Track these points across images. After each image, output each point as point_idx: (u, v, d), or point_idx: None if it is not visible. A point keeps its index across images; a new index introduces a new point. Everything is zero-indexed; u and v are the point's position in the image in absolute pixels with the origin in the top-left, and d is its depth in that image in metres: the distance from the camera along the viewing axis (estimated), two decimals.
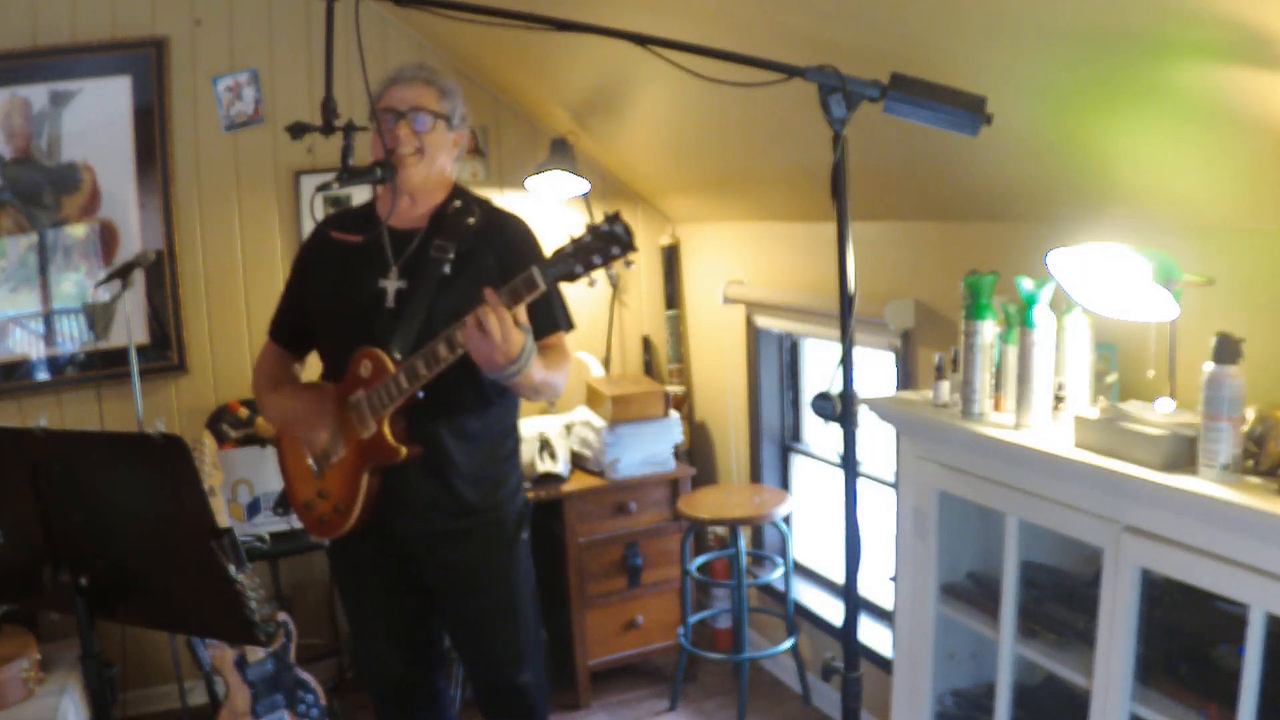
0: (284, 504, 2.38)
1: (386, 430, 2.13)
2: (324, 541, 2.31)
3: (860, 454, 1.63)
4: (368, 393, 2.14)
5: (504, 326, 1.93)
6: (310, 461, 2.26)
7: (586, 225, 1.89)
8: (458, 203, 2.27)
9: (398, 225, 2.26)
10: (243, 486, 3.29)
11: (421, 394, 2.11)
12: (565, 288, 2.19)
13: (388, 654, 2.39)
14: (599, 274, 1.88)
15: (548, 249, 2.14)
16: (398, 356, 2.13)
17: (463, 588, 2.30)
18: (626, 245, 1.87)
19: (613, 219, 1.88)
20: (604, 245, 1.87)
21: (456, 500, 2.24)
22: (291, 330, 2.40)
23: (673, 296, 4.16)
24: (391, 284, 2.21)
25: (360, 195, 3.70)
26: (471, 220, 2.23)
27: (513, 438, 2.38)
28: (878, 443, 3.09)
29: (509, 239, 2.26)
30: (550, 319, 2.23)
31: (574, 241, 1.89)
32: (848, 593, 1.64)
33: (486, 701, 2.42)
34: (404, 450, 2.14)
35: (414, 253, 2.22)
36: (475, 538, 2.27)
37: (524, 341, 1.98)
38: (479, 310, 1.94)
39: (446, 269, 2.18)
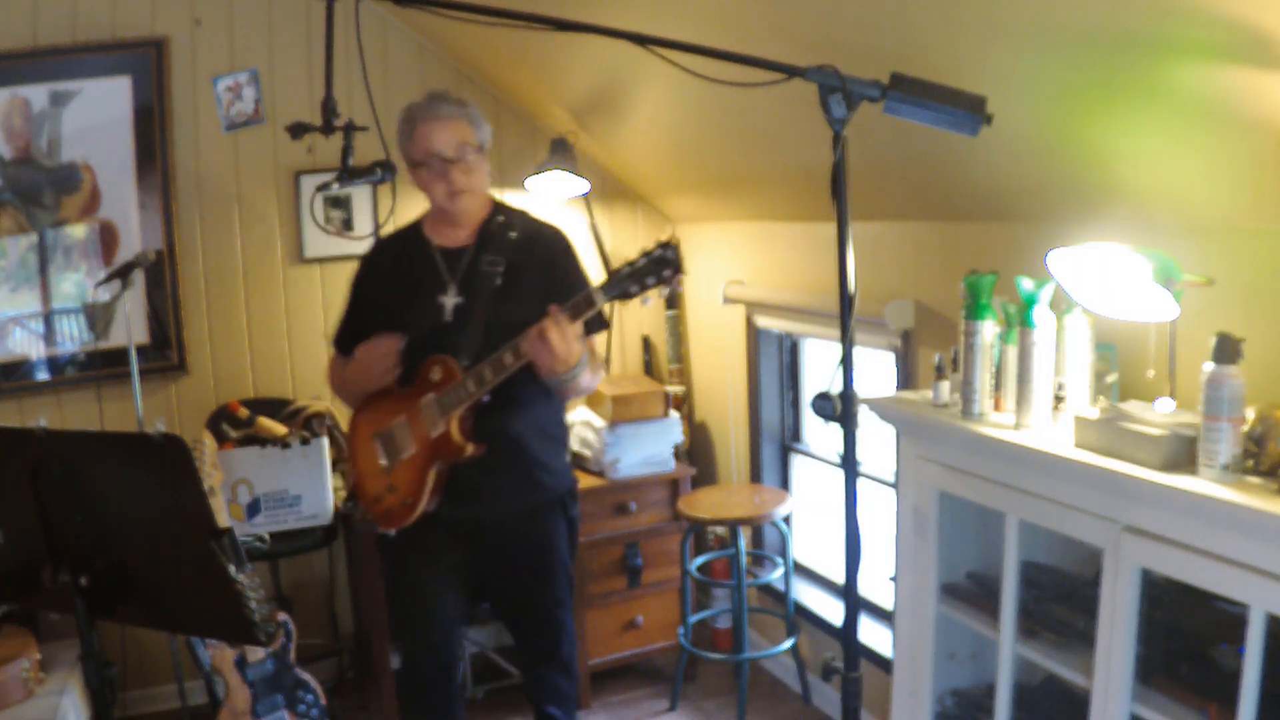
0: (353, 498, 2.59)
1: (454, 429, 2.32)
2: (390, 532, 2.45)
3: (860, 454, 1.63)
4: (438, 395, 2.33)
5: (565, 339, 2.15)
6: (381, 459, 2.44)
7: (641, 251, 2.12)
8: (500, 218, 2.48)
9: (446, 244, 2.47)
10: (243, 486, 3.29)
11: (486, 397, 2.30)
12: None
13: (435, 640, 2.51)
14: (652, 294, 2.13)
15: (583, 256, 2.57)
16: (465, 363, 2.32)
17: (521, 559, 2.51)
18: (677, 269, 2.09)
19: (665, 245, 2.10)
20: (657, 269, 2.09)
21: (522, 483, 2.44)
22: (355, 343, 2.53)
23: (673, 296, 4.16)
24: (449, 300, 2.41)
25: (360, 195, 3.71)
26: (513, 234, 2.45)
27: (564, 425, 2.61)
28: (878, 443, 3.09)
29: (553, 252, 2.49)
30: (589, 322, 2.36)
31: (630, 264, 2.11)
32: (848, 593, 1.64)
33: (535, 672, 2.59)
34: (470, 448, 2.33)
35: (467, 269, 2.43)
36: (538, 516, 2.49)
37: (581, 351, 2.23)
38: (544, 323, 2.14)
39: (498, 281, 2.39)
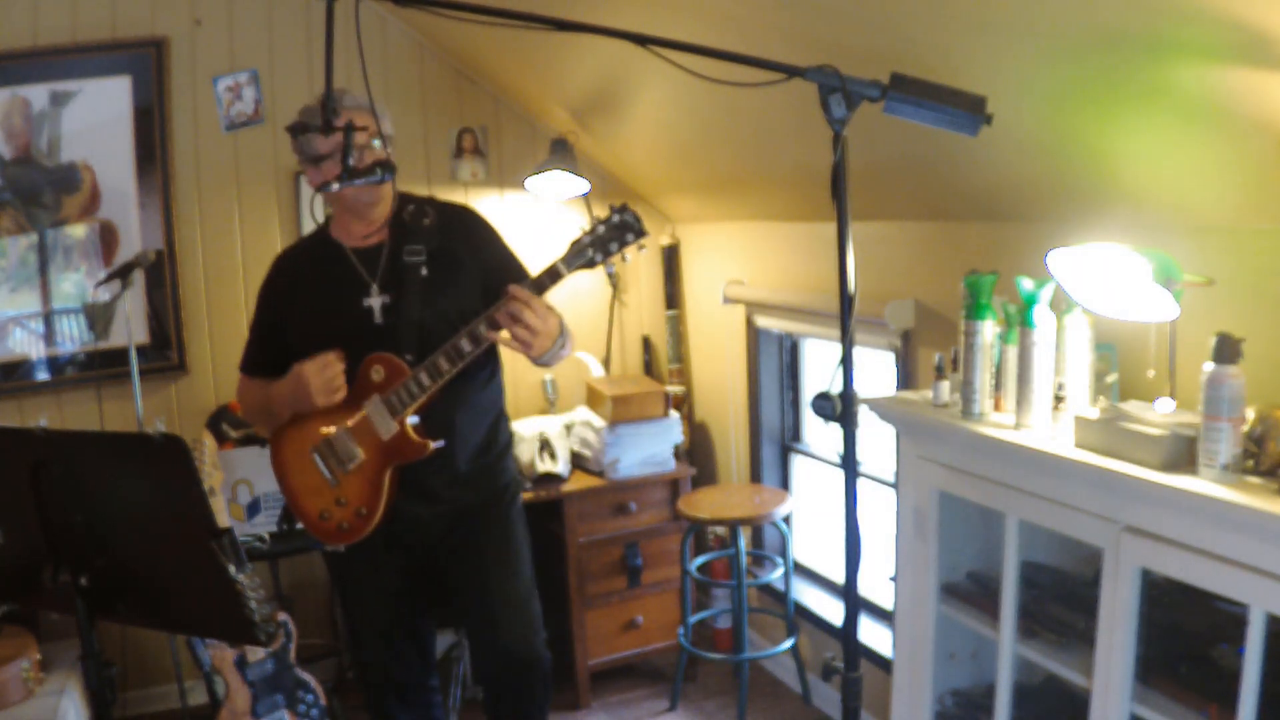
0: (289, 519, 2.40)
1: (409, 429, 2.20)
2: (339, 548, 2.33)
3: (860, 454, 1.63)
4: (384, 396, 2.20)
5: (540, 315, 2.09)
6: (324, 471, 2.29)
7: (594, 219, 2.07)
8: (410, 206, 2.35)
9: (362, 244, 2.34)
10: (243, 486, 3.29)
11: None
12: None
13: (389, 654, 2.43)
14: (615, 262, 2.11)
15: (505, 233, 2.45)
16: (409, 358, 2.20)
17: (473, 563, 2.39)
18: (639, 232, 2.06)
19: (621, 209, 2.06)
20: (619, 234, 2.06)
21: (465, 475, 2.35)
22: (269, 363, 2.40)
23: (673, 296, 4.16)
24: (376, 300, 2.29)
25: None
26: (427, 220, 2.33)
27: (504, 410, 2.51)
28: (878, 443, 3.09)
29: (472, 232, 2.39)
30: (534, 284, 2.21)
31: (589, 233, 2.07)
32: (848, 593, 1.64)
33: (503, 678, 2.44)
34: (430, 445, 2.22)
35: (387, 265, 2.30)
36: (482, 511, 2.39)
37: (560, 321, 2.19)
38: (513, 306, 2.07)
39: (424, 271, 2.28)
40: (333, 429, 2.27)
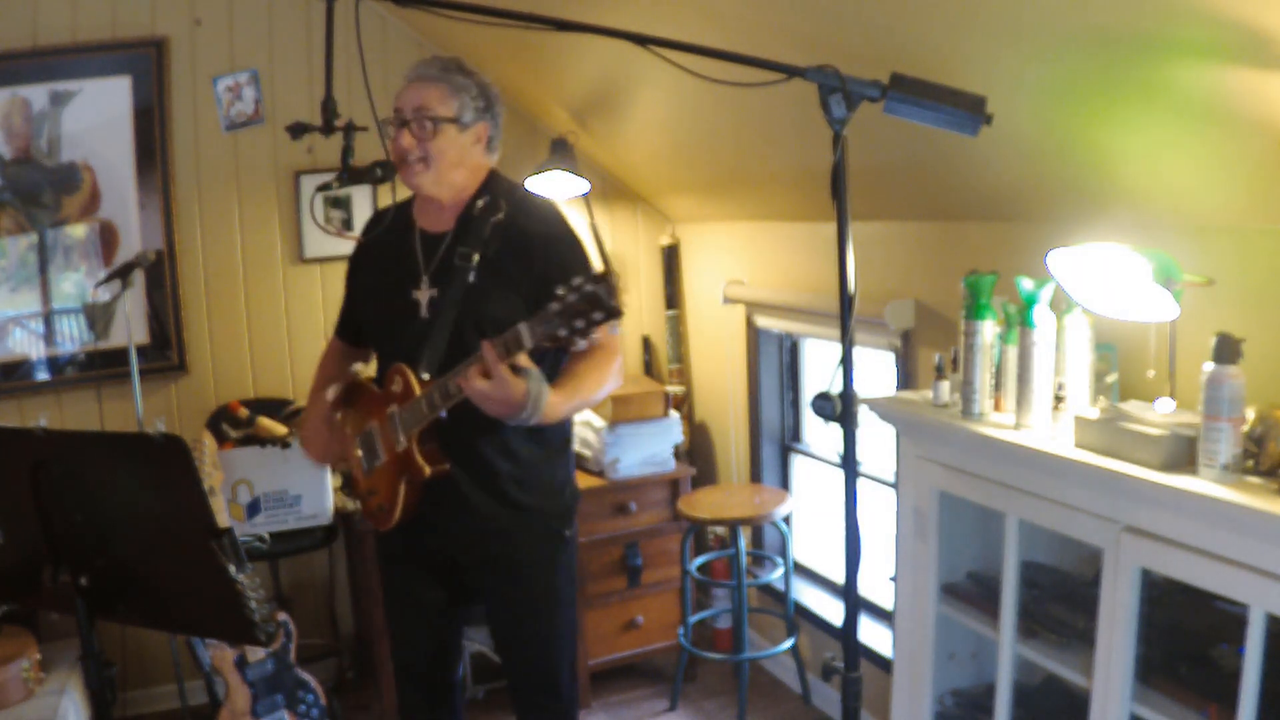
0: (349, 485, 2.44)
1: (415, 448, 2.12)
2: (373, 528, 2.36)
3: (860, 454, 1.63)
4: (399, 410, 2.14)
5: (500, 383, 1.88)
6: (362, 460, 2.28)
7: (573, 282, 1.74)
8: (482, 201, 2.18)
9: (430, 228, 2.23)
10: (243, 486, 3.29)
11: (444, 414, 2.06)
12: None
13: (418, 648, 2.42)
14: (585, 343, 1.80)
15: (579, 233, 2.24)
16: (425, 376, 2.12)
17: (508, 581, 2.30)
18: (610, 310, 1.72)
19: (598, 278, 1.72)
20: (587, 308, 1.73)
21: (506, 503, 2.22)
22: (354, 327, 2.43)
23: (673, 296, 4.16)
24: (424, 294, 2.18)
25: (360, 195, 3.71)
26: (498, 217, 2.14)
27: (561, 436, 2.33)
28: (878, 443, 3.09)
29: (530, 237, 2.16)
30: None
31: (559, 300, 1.77)
32: (848, 593, 1.64)
33: (523, 693, 2.42)
34: (429, 469, 2.12)
35: (441, 260, 2.18)
36: (523, 534, 2.26)
37: (526, 387, 1.91)
38: (468, 370, 1.91)
39: (471, 277, 2.12)
40: (370, 423, 2.25)
